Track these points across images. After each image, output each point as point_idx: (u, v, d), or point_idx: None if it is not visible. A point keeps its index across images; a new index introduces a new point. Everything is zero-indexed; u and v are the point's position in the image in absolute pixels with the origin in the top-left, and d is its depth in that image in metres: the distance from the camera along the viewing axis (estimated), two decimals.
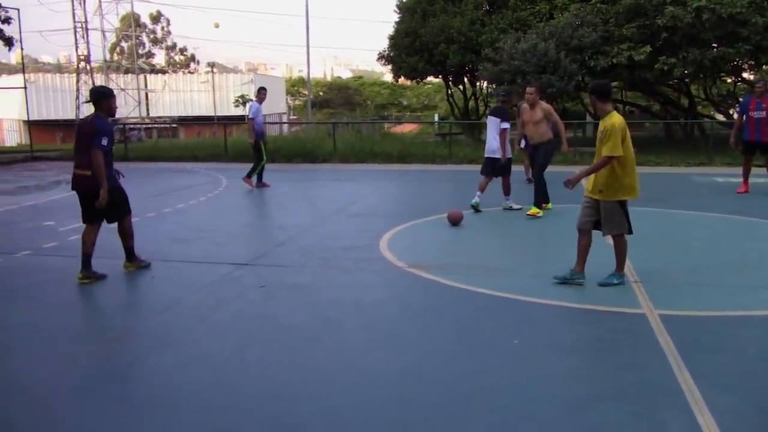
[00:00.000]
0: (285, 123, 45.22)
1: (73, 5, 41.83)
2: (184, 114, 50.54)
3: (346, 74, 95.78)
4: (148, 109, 51.62)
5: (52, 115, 44.82)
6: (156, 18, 63.38)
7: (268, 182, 12.55)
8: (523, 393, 3.61)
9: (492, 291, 5.43)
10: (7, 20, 20.35)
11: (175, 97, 52.02)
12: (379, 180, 13.97)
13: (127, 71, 52.99)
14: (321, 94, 61.86)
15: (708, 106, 28.04)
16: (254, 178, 12.42)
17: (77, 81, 45.96)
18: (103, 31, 49.67)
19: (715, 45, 18.04)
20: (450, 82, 27.01)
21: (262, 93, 12.82)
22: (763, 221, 8.58)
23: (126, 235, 6.24)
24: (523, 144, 10.28)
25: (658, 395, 3.53)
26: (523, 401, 3.50)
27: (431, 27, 22.88)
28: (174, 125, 47.75)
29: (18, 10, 20.17)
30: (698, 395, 3.47)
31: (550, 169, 9.28)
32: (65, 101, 47.04)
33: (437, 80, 35.49)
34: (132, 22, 56.64)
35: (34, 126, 28.99)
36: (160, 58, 66.37)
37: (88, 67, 47.29)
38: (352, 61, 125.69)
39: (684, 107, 26.00)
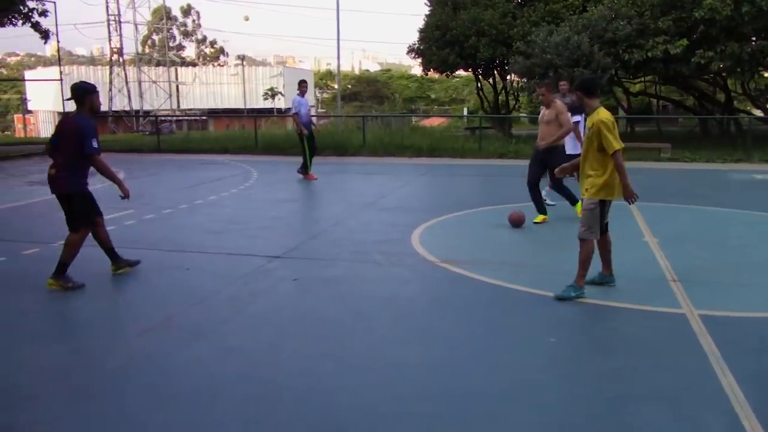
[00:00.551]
0: (313, 116, 45.36)
1: None
2: (213, 106, 51.01)
3: (373, 67, 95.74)
4: (178, 102, 52.21)
5: None
6: (187, 11, 63.99)
7: (303, 174, 12.84)
8: (560, 391, 3.56)
9: (525, 288, 5.37)
10: (43, 13, 20.74)
11: (205, 89, 52.53)
12: (409, 174, 13.94)
13: (158, 64, 53.64)
14: (349, 87, 61.97)
15: (745, 101, 27.39)
16: (312, 170, 12.75)
17: (110, 73, 46.71)
18: (135, 24, 50.36)
19: (754, 38, 17.60)
20: (479, 76, 26.79)
21: (303, 86, 12.97)
22: None
23: (101, 241, 5.88)
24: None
25: (701, 397, 3.45)
26: (560, 399, 3.45)
27: (462, 20, 22.68)
28: (204, 117, 48.26)
29: (54, 3, 20.52)
30: (742, 398, 3.38)
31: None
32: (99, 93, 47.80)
33: (466, 74, 35.23)
34: (164, 14, 57.24)
35: None
36: (190, 51, 67.06)
37: (120, 60, 48.00)
38: (380, 53, 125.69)
39: (720, 102, 25.43)
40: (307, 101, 13.24)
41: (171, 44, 60.32)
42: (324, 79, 72.56)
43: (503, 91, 27.52)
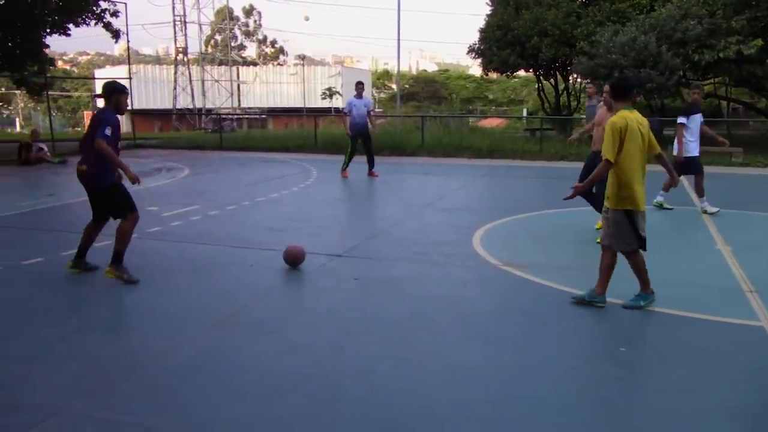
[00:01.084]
0: (372, 116, 45.63)
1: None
2: (273, 105, 51.93)
3: (431, 67, 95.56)
4: (239, 100, 53.37)
5: (151, 105, 47.16)
6: (249, 11, 65.39)
7: (347, 173, 13.12)
8: (632, 402, 3.44)
9: None
10: (115, 14, 21.51)
11: (265, 88, 53.55)
12: (468, 175, 13.82)
13: (220, 63, 54.97)
14: (407, 87, 61.99)
15: None
16: (347, 168, 13.13)
17: (175, 72, 48.10)
18: (199, 24, 51.79)
19: None
20: (540, 76, 26.36)
21: (359, 87, 13.07)
22: None
23: (88, 237, 5.84)
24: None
25: None
26: (631, 410, 3.34)
27: (524, 20, 22.38)
28: (264, 116, 49.15)
29: (126, 3, 21.24)
30: None
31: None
32: (163, 91, 49.34)
33: (525, 74, 34.70)
34: (227, 15, 58.63)
35: (135, 115, 30.54)
36: (251, 51, 68.46)
37: (185, 59, 49.38)
38: (438, 53, 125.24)
39: None
40: (368, 100, 13.44)
41: (233, 44, 61.76)
42: (381, 78, 72.82)
43: (565, 92, 27.01)
